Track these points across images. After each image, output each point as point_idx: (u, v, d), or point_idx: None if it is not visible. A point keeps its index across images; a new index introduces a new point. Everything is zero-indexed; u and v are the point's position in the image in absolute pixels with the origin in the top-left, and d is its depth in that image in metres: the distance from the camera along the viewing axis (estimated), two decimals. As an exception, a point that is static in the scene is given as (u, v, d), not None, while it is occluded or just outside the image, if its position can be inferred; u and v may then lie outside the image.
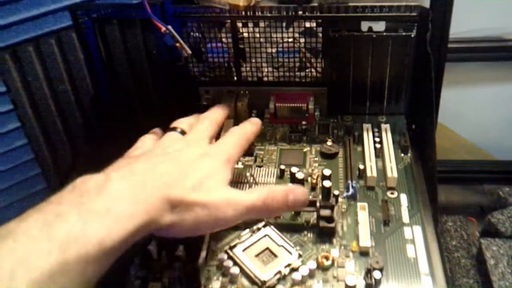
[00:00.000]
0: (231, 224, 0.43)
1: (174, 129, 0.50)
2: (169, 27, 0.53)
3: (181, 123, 0.51)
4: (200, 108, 0.64)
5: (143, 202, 0.38)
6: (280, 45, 0.61)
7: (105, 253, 0.34)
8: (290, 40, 0.60)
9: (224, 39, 0.61)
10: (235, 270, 0.45)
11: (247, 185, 0.54)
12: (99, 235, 0.34)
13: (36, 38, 0.62)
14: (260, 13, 0.57)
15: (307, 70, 0.62)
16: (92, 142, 0.65)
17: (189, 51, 0.54)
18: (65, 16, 0.61)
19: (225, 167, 0.45)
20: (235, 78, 0.63)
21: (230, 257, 0.46)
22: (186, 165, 0.43)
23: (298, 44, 0.60)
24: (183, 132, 0.49)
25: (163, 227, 0.39)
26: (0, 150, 0.65)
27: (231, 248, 0.47)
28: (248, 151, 0.59)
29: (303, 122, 0.62)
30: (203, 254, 0.45)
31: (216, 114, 0.54)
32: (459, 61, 0.72)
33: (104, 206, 0.36)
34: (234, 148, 0.48)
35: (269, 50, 0.61)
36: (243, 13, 0.57)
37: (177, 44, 0.54)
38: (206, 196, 0.41)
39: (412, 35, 0.57)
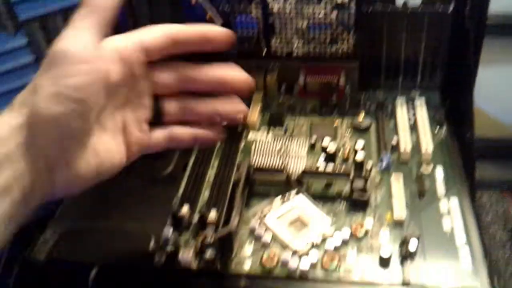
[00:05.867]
0: None
1: None
2: None
3: None
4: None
5: None
6: (311, 20, 0.59)
7: None
8: (322, 15, 0.59)
9: (253, 12, 0.60)
10: (267, 237, 0.44)
11: (278, 157, 0.53)
12: None
13: (65, 9, 0.62)
14: (292, -14, 0.56)
15: (338, 45, 0.61)
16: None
17: (221, 20, 0.53)
18: (95, -13, 0.61)
19: None
20: (264, 51, 0.62)
21: (262, 225, 0.46)
22: None
23: (329, 19, 0.59)
24: None
25: None
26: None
27: (264, 215, 0.46)
28: (278, 122, 0.58)
29: (334, 97, 0.61)
30: (236, 219, 0.44)
31: None
32: (496, 37, 0.70)
33: None
34: None
35: (299, 24, 0.60)
36: (275, -16, 0.56)
37: (208, 14, 0.53)
38: None
39: (449, 11, 0.56)
